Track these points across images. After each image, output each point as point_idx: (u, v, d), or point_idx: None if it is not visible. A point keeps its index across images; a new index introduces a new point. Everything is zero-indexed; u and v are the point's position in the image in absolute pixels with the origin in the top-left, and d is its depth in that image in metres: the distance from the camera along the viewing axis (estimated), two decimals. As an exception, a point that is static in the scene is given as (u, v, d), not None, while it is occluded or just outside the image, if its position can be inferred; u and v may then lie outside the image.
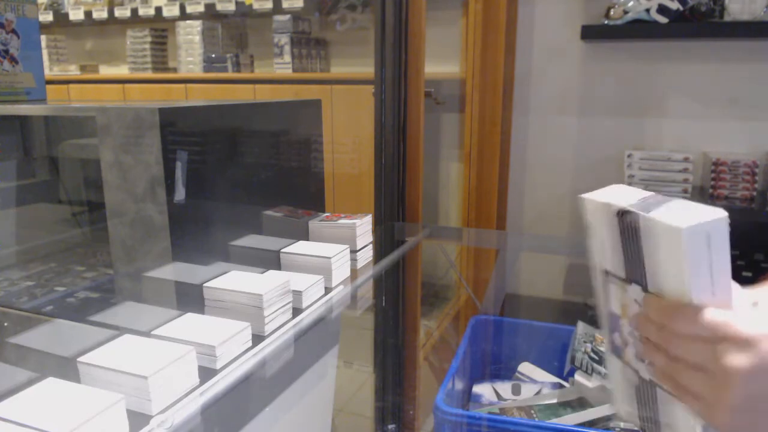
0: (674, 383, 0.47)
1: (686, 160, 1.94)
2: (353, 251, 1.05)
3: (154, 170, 0.72)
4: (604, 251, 0.53)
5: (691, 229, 0.43)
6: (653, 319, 0.47)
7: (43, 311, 0.86)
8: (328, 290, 0.92)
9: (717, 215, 0.43)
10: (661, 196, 0.49)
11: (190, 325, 0.72)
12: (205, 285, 0.79)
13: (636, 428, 0.98)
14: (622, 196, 0.50)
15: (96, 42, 3.44)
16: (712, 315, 0.43)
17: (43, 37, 2.86)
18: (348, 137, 2.28)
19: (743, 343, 0.41)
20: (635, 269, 0.49)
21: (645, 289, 0.48)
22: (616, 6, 1.94)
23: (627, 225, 0.48)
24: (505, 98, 2.10)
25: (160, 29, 3.08)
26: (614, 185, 0.55)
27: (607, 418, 1.01)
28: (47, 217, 1.17)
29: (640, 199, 0.49)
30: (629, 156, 2.00)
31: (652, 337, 0.47)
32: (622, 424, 1.00)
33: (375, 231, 1.30)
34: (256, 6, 2.66)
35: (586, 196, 0.53)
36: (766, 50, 1.95)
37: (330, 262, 0.93)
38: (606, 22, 1.97)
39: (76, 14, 3.12)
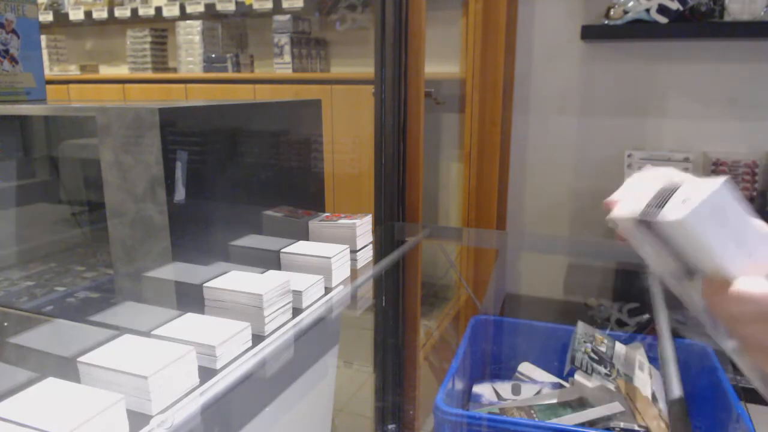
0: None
1: (686, 160, 1.94)
2: (353, 251, 1.05)
3: (154, 170, 0.72)
4: (653, 257, 0.51)
5: (691, 215, 0.42)
6: (712, 306, 0.46)
7: (43, 311, 0.86)
8: (328, 290, 0.92)
9: (714, 186, 0.43)
10: (677, 177, 0.47)
11: (190, 325, 0.72)
12: (205, 285, 0.79)
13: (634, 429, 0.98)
14: (642, 192, 0.49)
15: (96, 42, 3.44)
16: (749, 290, 0.41)
17: (43, 37, 2.86)
18: (348, 137, 2.28)
19: None
20: (683, 263, 0.48)
21: (698, 276, 0.47)
22: (616, 6, 1.94)
23: (650, 231, 0.47)
24: (505, 98, 2.10)
25: (160, 29, 3.08)
26: (646, 169, 0.52)
27: (608, 418, 1.01)
28: (47, 217, 1.17)
29: (654, 196, 0.47)
30: (629, 156, 2.00)
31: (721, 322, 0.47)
32: (622, 424, 1.00)
33: (375, 231, 1.30)
34: (256, 6, 2.66)
35: (614, 215, 0.51)
36: (766, 50, 1.95)
37: (330, 262, 0.93)
38: (606, 22, 1.97)
39: (76, 14, 3.12)
